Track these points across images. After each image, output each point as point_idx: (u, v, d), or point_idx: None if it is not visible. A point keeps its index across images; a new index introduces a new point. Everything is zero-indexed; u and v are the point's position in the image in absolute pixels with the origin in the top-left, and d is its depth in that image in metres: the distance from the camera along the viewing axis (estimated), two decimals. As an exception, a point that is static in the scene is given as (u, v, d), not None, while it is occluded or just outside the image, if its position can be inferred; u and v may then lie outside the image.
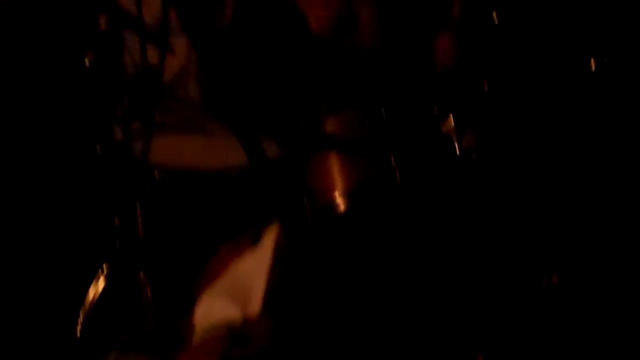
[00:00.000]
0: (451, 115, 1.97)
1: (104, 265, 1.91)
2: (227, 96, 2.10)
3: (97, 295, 1.85)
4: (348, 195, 1.91)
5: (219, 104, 2.12)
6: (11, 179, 2.15)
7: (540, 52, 2.07)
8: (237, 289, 1.83)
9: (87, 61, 2.12)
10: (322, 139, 1.98)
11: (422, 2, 2.13)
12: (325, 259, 1.87)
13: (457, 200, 1.91)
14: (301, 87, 2.14)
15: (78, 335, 1.84)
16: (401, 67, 2.11)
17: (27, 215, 2.15)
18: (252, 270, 1.84)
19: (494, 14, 2.07)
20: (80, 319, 1.84)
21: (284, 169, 2.01)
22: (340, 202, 1.92)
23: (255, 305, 1.80)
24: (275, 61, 2.19)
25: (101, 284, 1.85)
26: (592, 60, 2.07)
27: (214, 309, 1.82)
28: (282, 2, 2.22)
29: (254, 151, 1.94)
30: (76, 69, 2.13)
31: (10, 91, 2.18)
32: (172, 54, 2.22)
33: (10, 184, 2.15)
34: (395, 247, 1.88)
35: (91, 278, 1.92)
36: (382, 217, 1.90)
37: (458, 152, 1.93)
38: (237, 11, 2.22)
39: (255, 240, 1.89)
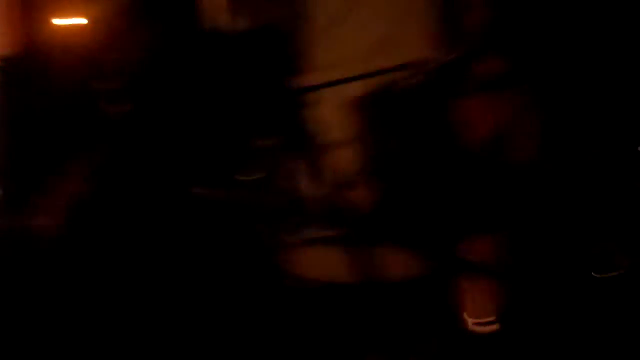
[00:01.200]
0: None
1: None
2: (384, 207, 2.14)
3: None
4: (494, 320, 1.86)
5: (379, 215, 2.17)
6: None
7: None
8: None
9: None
10: (473, 262, 1.95)
11: (586, 123, 2.06)
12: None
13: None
14: (457, 203, 2.12)
15: None
16: (561, 186, 2.04)
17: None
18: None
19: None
20: None
21: (433, 286, 1.99)
22: (486, 327, 1.87)
23: None
24: (432, 174, 2.20)
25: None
26: None
27: None
28: (441, 111, 2.23)
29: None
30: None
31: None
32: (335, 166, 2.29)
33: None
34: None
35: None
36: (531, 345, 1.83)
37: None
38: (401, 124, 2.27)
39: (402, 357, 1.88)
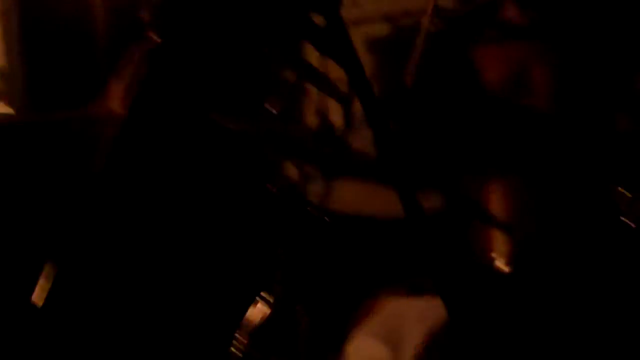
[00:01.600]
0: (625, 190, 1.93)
1: (265, 294, 2.00)
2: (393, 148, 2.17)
3: (260, 319, 1.93)
4: (510, 257, 1.91)
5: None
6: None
7: None
8: (391, 332, 1.85)
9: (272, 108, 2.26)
10: (485, 201, 2.00)
11: (603, 68, 2.11)
12: (482, 317, 1.87)
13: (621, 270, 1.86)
14: (471, 144, 2.17)
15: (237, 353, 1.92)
16: (577, 134, 2.09)
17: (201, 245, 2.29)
18: (407, 316, 1.86)
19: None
20: (242, 339, 1.92)
21: (447, 222, 2.04)
22: (501, 263, 1.92)
23: (406, 351, 1.81)
24: (447, 117, 2.24)
25: (263, 310, 1.93)
26: None
27: (364, 349, 1.85)
28: (460, 57, 2.27)
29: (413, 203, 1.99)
30: (261, 113, 2.27)
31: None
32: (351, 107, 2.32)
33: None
34: (552, 313, 1.84)
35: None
36: (543, 282, 1.88)
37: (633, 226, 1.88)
38: (418, 69, 2.30)
39: (413, 288, 1.92)
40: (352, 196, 2.19)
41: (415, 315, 1.85)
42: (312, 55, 2.31)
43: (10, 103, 2.71)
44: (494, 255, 1.94)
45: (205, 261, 2.27)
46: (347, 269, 2.07)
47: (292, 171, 2.28)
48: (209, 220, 2.29)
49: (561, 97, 2.14)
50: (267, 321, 1.92)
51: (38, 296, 2.15)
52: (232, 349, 1.90)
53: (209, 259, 2.28)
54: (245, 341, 1.89)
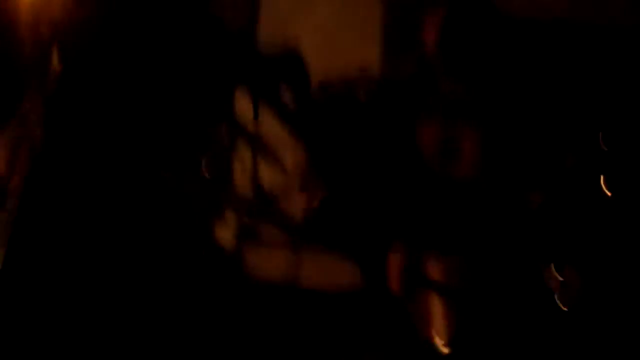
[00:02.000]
0: (553, 265, 2.02)
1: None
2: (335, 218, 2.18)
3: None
4: (447, 337, 1.95)
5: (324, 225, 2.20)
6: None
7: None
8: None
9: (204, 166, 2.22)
10: (424, 280, 2.04)
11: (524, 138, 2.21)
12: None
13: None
14: (407, 221, 2.21)
15: None
16: (500, 204, 2.17)
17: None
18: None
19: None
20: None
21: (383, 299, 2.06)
22: (439, 342, 1.96)
23: None
24: (380, 183, 2.27)
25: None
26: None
27: None
28: (398, 127, 2.32)
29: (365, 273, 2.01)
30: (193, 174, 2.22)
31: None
32: (283, 169, 2.30)
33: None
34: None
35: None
36: None
37: (560, 305, 1.97)
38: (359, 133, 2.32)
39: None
40: (278, 263, 2.18)
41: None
42: (247, 119, 2.29)
43: None
44: (433, 333, 1.98)
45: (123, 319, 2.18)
46: (274, 337, 2.06)
47: (224, 235, 2.24)
48: (135, 276, 2.20)
49: (486, 170, 2.23)
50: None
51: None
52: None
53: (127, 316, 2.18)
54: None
